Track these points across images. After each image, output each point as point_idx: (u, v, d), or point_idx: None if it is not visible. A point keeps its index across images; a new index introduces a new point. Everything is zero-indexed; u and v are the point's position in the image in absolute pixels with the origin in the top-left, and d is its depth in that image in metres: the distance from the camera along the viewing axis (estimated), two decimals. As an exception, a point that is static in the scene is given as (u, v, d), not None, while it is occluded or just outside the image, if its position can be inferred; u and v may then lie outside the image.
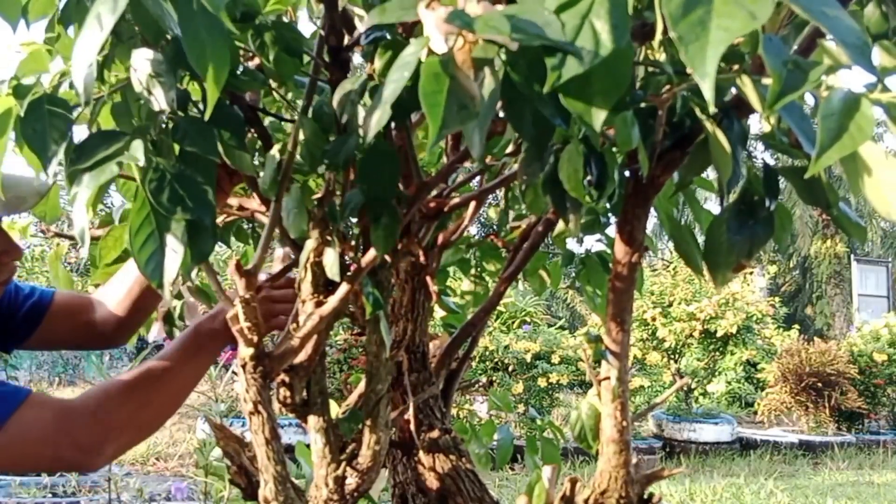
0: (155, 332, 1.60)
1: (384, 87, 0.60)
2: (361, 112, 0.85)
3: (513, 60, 0.59)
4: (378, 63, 0.84)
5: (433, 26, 0.57)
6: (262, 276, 1.12)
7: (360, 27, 0.94)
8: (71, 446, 1.15)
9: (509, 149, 1.07)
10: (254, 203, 1.23)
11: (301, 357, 1.01)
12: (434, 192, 1.10)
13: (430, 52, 0.58)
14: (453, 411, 1.34)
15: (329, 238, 0.97)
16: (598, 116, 0.59)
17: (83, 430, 1.15)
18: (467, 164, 1.17)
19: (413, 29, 0.87)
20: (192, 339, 1.27)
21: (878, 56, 0.67)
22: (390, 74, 0.59)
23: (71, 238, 1.57)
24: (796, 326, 11.18)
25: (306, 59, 1.01)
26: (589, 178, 0.79)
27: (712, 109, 0.56)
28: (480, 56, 0.57)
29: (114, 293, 1.46)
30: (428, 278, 1.22)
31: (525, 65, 0.59)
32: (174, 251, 0.84)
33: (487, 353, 7.73)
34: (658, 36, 0.65)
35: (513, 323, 8.89)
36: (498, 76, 0.59)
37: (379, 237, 0.89)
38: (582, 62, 0.55)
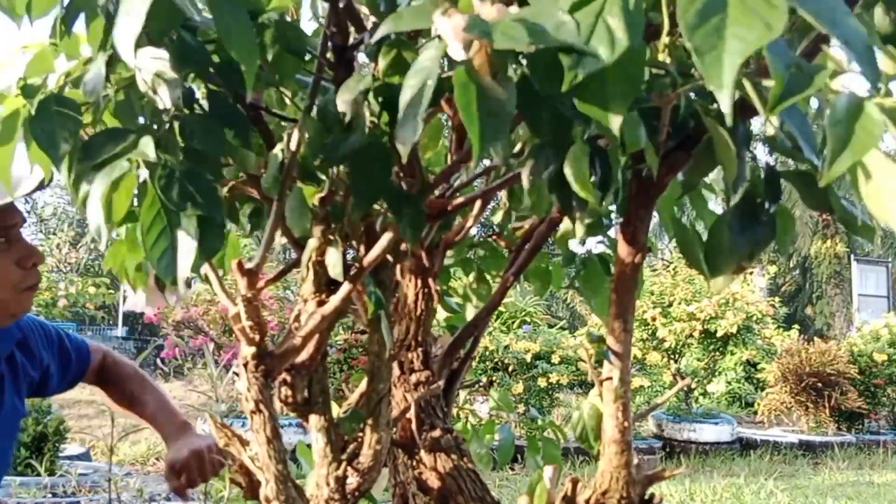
0: (131, 302, 1.65)
1: (402, 92, 0.60)
2: (366, 111, 0.85)
3: (530, 62, 0.59)
4: (382, 62, 0.84)
5: (451, 34, 0.57)
6: None
7: (368, 28, 0.94)
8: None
9: (514, 149, 1.07)
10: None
11: (303, 356, 1.01)
12: (437, 192, 1.10)
13: (446, 58, 0.58)
14: (454, 411, 1.34)
15: (332, 237, 0.97)
16: (616, 119, 0.59)
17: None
18: (470, 164, 1.16)
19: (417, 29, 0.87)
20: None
21: (881, 62, 0.67)
22: (407, 79, 0.59)
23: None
24: (796, 326, 11.18)
25: (307, 57, 1.01)
26: (593, 178, 0.79)
27: (729, 122, 0.56)
28: (497, 58, 0.57)
29: (125, 401, 1.81)
30: (430, 279, 1.22)
31: (542, 66, 0.59)
32: (186, 247, 0.84)
33: (487, 353, 7.73)
34: (664, 38, 0.65)
35: (513, 323, 8.89)
36: (513, 78, 0.59)
37: (406, 229, 0.89)
38: (598, 60, 0.55)
